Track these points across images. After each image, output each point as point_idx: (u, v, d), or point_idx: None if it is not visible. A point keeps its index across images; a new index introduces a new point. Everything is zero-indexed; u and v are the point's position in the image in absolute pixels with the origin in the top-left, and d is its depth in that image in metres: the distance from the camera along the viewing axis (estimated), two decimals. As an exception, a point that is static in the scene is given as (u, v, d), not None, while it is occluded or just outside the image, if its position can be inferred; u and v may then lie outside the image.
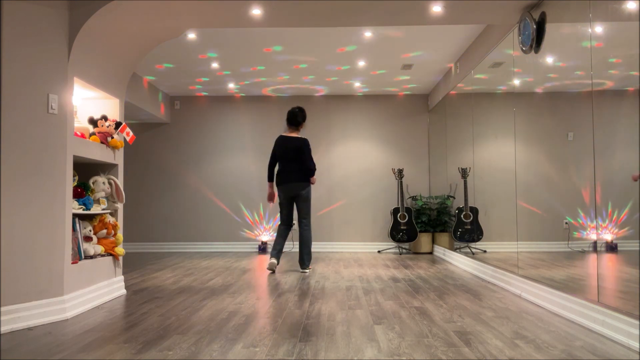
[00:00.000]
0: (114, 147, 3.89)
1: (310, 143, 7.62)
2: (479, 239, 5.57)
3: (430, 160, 7.58)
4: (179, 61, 5.98)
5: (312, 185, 5.18)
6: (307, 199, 5.20)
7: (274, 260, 5.13)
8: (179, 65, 6.13)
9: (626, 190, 2.76)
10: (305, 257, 5.20)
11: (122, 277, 4.01)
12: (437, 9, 3.70)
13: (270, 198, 5.36)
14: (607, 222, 2.94)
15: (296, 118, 5.24)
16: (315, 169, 5.26)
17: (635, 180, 2.69)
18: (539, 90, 4.00)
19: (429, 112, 7.63)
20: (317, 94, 7.70)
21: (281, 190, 5.21)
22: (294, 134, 5.27)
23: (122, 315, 3.22)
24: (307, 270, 5.21)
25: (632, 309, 2.50)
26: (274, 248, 5.22)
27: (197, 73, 6.49)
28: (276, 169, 5.42)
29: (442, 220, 6.94)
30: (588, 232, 3.17)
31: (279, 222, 5.32)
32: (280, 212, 5.31)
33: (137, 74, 6.46)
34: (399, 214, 7.01)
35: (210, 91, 7.51)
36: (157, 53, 5.63)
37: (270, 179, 5.37)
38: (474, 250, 5.53)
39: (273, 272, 5.18)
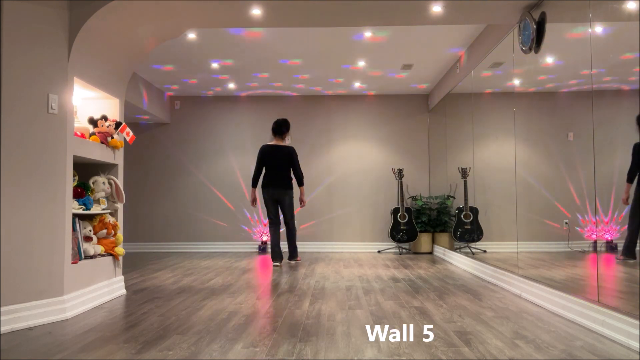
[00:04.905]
0: (114, 147, 3.89)
1: (310, 143, 7.67)
2: (479, 239, 5.57)
3: (430, 160, 7.58)
4: (179, 61, 5.97)
5: (301, 188, 5.82)
6: (290, 205, 5.69)
7: (277, 263, 5.62)
8: (179, 65, 6.13)
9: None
10: (294, 250, 5.87)
11: (122, 277, 4.01)
12: (437, 9, 3.69)
13: (253, 202, 5.82)
14: (607, 221, 2.94)
15: (281, 128, 5.71)
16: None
17: (625, 204, 2.74)
18: (539, 90, 4.00)
19: (429, 112, 7.63)
20: (317, 94, 7.69)
21: (266, 192, 5.64)
22: (280, 143, 5.71)
23: (122, 315, 3.22)
24: (294, 261, 5.86)
25: (632, 309, 2.50)
26: (273, 251, 5.66)
27: (197, 73, 6.48)
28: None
29: (442, 220, 6.94)
30: (588, 232, 3.17)
31: (268, 223, 5.77)
32: (267, 211, 5.70)
33: (137, 74, 6.46)
34: (399, 214, 7.01)
35: (211, 91, 7.51)
36: (157, 53, 5.63)
37: (254, 186, 5.76)
38: (474, 250, 5.53)
39: (279, 265, 5.64)
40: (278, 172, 5.61)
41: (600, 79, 2.93)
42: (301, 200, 5.83)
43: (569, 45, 3.40)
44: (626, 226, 2.87)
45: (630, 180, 2.73)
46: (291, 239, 5.83)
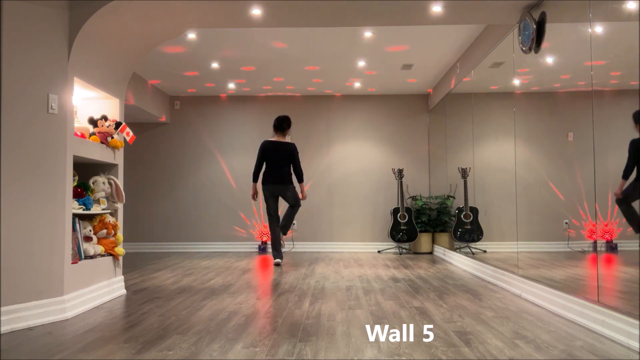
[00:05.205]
0: (114, 147, 3.89)
1: (311, 143, 7.67)
2: (479, 239, 5.57)
3: (430, 160, 7.58)
4: (179, 61, 5.97)
5: (301, 185, 5.80)
6: (293, 194, 5.67)
7: (279, 261, 5.68)
8: (179, 65, 6.12)
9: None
10: (288, 224, 5.78)
11: (122, 277, 4.01)
12: (437, 9, 3.70)
13: (254, 196, 5.81)
14: (607, 223, 2.94)
15: (282, 124, 5.69)
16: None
17: (618, 196, 2.74)
18: (538, 90, 4.00)
19: (429, 112, 7.63)
20: (317, 94, 7.69)
21: (266, 189, 5.63)
22: (282, 139, 5.71)
23: (122, 315, 3.22)
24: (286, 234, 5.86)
25: (632, 309, 2.50)
26: (274, 249, 5.72)
27: (197, 73, 6.48)
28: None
29: (442, 220, 6.94)
30: (588, 231, 3.17)
31: (268, 219, 5.76)
32: (267, 206, 5.73)
33: (137, 74, 6.46)
34: (399, 214, 7.01)
35: (210, 91, 7.51)
36: (157, 53, 5.62)
37: (255, 180, 5.74)
38: (474, 250, 5.53)
39: (280, 264, 5.72)
40: (278, 168, 5.59)
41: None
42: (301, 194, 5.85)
43: (568, 45, 3.40)
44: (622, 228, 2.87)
45: (625, 176, 2.73)
46: (290, 215, 5.75)
